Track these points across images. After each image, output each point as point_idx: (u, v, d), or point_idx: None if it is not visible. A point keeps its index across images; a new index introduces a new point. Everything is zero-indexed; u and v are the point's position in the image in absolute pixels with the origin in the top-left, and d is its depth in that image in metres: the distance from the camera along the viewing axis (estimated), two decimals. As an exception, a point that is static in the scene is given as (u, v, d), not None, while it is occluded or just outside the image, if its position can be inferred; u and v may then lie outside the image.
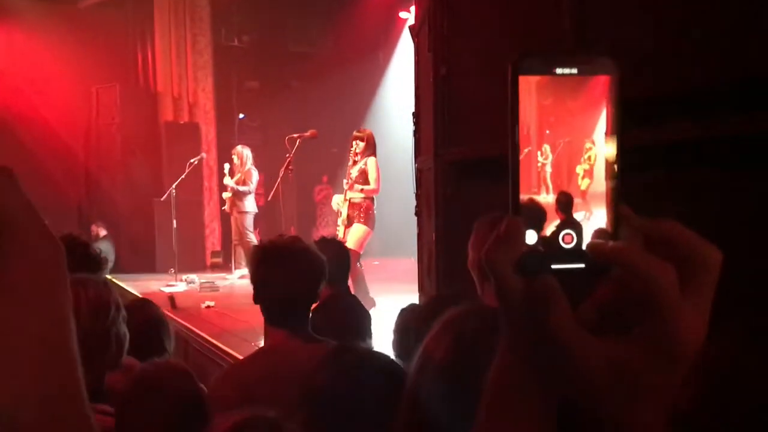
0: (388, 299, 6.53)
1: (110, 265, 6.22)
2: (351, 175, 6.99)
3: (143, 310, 2.63)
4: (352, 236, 6.88)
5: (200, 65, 11.21)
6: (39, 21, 11.10)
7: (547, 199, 0.59)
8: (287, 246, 2.38)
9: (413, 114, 3.91)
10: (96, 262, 2.49)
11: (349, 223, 7.00)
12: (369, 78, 11.69)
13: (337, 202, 7.14)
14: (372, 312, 4.30)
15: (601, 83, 0.58)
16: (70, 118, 11.57)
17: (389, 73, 11.30)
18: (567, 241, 0.57)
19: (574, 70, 0.58)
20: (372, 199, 7.04)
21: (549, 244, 0.56)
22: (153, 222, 10.53)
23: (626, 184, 0.57)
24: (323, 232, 10.19)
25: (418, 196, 3.89)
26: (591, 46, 2.26)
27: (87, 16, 11.74)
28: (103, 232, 10.45)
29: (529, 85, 0.58)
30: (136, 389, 1.70)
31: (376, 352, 1.79)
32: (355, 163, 6.99)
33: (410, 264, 9.77)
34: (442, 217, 3.15)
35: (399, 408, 1.09)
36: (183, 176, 9.16)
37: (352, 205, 6.99)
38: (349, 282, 4.52)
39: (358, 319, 3.55)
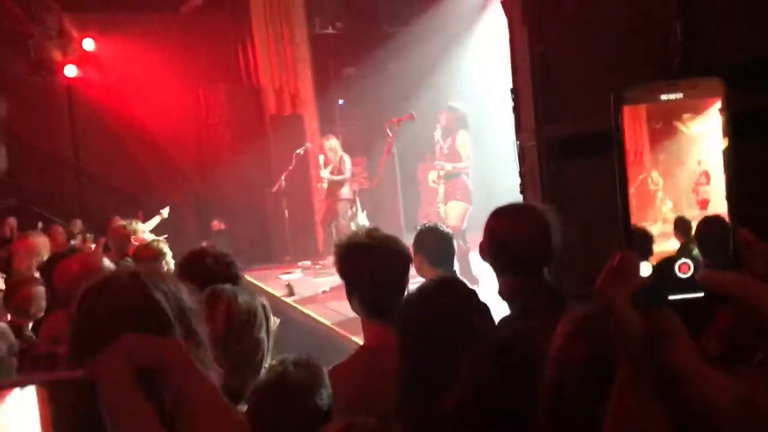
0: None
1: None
2: (443, 151, 6.99)
3: None
4: (451, 214, 6.88)
5: (299, 57, 11.44)
6: (144, 31, 11.68)
7: (658, 225, 0.57)
8: (368, 238, 2.37)
9: (511, 90, 3.83)
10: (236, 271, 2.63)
11: (446, 200, 7.01)
12: (464, 52, 11.51)
13: (432, 179, 7.19)
14: (477, 288, 4.27)
15: (712, 103, 0.56)
16: (180, 120, 12.16)
17: (484, 46, 11.07)
18: (683, 270, 0.55)
19: (680, 95, 0.56)
20: (466, 173, 7.01)
21: (665, 274, 0.55)
22: (266, 213, 10.93)
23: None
24: (428, 209, 10.23)
25: (522, 174, 3.81)
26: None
27: (188, 21, 12.26)
28: (222, 227, 10.97)
29: (637, 112, 0.57)
30: (266, 389, 1.80)
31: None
32: (445, 138, 6.98)
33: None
34: (549, 196, 3.08)
35: (540, 400, 1.15)
36: (291, 167, 9.44)
37: (446, 181, 6.99)
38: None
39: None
